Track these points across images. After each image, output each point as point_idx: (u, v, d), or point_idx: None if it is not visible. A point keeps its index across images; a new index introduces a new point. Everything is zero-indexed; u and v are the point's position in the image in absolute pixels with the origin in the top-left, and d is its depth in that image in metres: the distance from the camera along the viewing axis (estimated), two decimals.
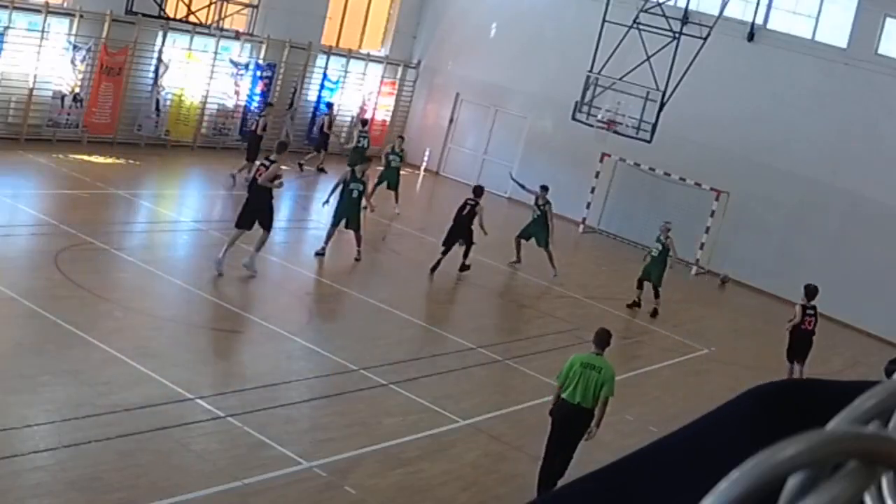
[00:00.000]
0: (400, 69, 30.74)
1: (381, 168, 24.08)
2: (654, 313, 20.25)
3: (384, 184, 23.54)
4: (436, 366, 14.51)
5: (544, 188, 21.46)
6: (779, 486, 0.59)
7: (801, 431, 0.59)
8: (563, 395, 11.10)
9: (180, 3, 23.92)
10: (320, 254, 18.81)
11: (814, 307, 17.66)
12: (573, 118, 24.35)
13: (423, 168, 28.71)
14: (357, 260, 19.05)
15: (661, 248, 20.34)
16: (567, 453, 11.16)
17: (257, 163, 18.93)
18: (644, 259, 20.66)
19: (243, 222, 16.78)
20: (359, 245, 19.03)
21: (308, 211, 23.45)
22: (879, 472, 0.61)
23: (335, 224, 18.90)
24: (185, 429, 10.83)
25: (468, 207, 19.63)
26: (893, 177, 23.13)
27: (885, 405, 0.64)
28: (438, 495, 10.85)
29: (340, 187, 19.02)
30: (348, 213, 18.80)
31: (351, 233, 18.84)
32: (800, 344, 17.71)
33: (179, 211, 20.53)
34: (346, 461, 10.99)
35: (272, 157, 17.48)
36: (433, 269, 19.20)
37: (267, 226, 16.82)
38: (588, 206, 26.82)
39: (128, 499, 9.28)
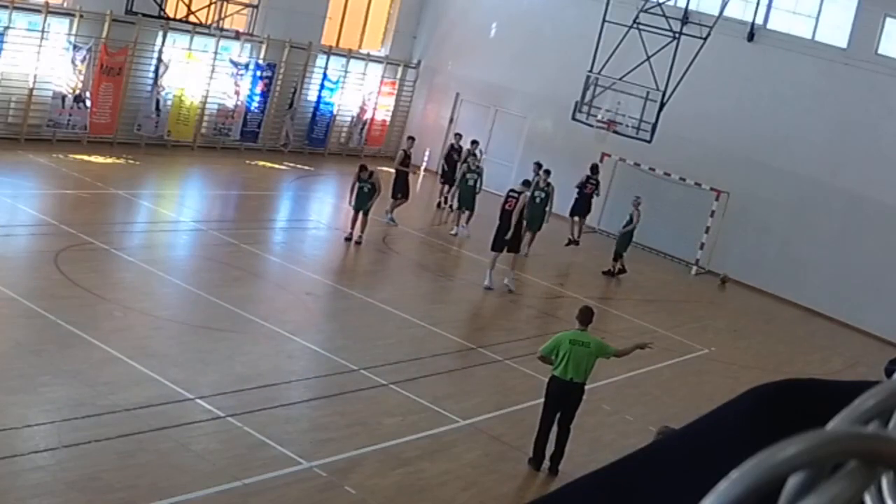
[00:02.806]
0: (400, 69, 30.75)
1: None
2: (610, 273, 22.55)
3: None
4: (436, 366, 14.51)
5: (546, 172, 22.22)
6: (779, 486, 0.59)
7: (801, 431, 0.59)
8: (555, 373, 11.69)
9: (180, 3, 23.92)
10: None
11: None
12: (573, 118, 24.35)
13: (423, 168, 28.71)
14: (358, 243, 20.02)
15: (629, 219, 22.73)
16: (564, 429, 11.83)
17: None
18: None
19: (496, 246, 18.99)
20: (362, 231, 20.15)
21: (307, 211, 23.45)
22: (879, 472, 0.61)
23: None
24: (185, 429, 10.83)
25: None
26: (893, 177, 23.13)
27: (885, 405, 0.64)
28: (438, 495, 10.85)
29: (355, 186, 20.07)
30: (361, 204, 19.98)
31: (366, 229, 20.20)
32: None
33: (179, 211, 20.53)
34: (346, 461, 10.99)
35: (518, 189, 19.44)
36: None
37: (515, 248, 19.06)
38: None
39: (128, 499, 9.28)
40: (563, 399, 11.70)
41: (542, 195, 21.93)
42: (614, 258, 22.70)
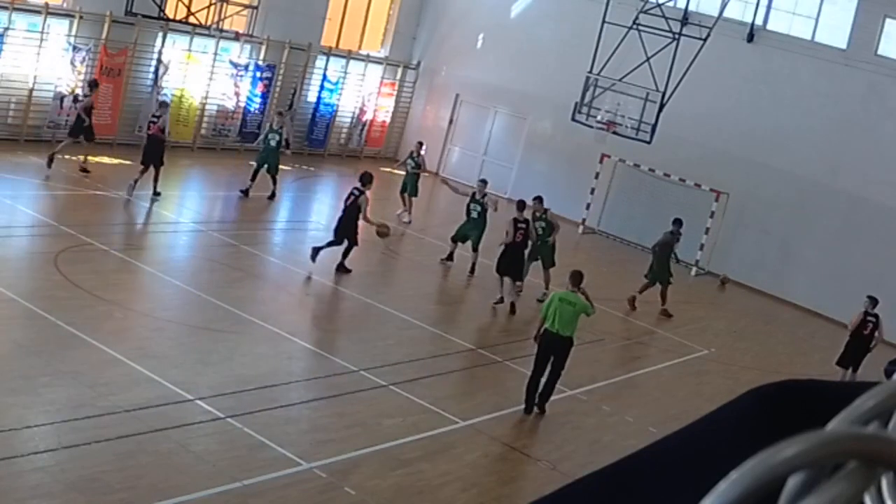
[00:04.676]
0: (399, 70, 30.76)
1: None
2: (667, 313, 20.88)
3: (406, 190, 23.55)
4: (436, 367, 14.51)
5: (538, 199, 19.84)
6: (779, 486, 0.59)
7: (801, 432, 0.59)
8: (546, 326, 13.33)
9: (180, 4, 23.92)
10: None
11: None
12: (573, 119, 24.36)
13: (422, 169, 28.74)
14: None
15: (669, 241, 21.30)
16: (554, 374, 13.42)
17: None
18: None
19: (501, 270, 18.64)
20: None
21: (307, 212, 23.44)
22: (879, 472, 0.61)
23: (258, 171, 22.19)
24: (185, 430, 10.83)
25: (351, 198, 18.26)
26: (893, 177, 23.14)
27: (885, 405, 0.64)
28: (438, 496, 10.85)
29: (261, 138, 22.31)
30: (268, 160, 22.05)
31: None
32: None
33: (179, 212, 20.52)
34: (345, 462, 10.99)
35: (522, 219, 18.92)
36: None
37: (519, 276, 18.82)
38: (588, 206, 26.83)
39: (127, 500, 9.28)
40: (552, 349, 13.26)
41: (543, 224, 19.53)
42: (662, 295, 20.69)
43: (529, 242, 18.91)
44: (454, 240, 20.08)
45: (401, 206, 23.50)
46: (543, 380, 13.45)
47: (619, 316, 19.70)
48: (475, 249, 19.74)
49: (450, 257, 20.14)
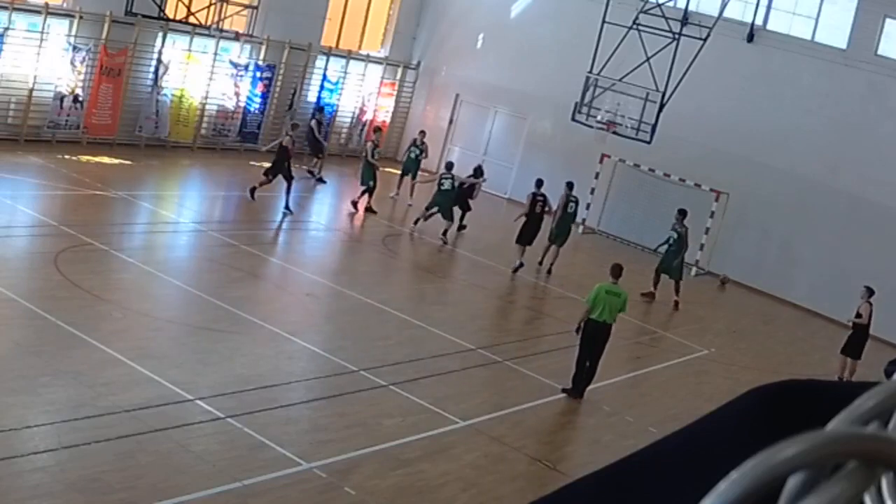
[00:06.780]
0: (399, 70, 30.76)
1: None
2: (676, 305, 21.51)
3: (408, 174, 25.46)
4: (436, 367, 14.51)
5: (569, 185, 22.01)
6: (779, 486, 0.59)
7: (801, 432, 0.59)
8: (593, 316, 14.21)
9: (180, 4, 23.92)
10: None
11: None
12: (573, 119, 24.36)
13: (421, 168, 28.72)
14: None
15: (676, 236, 21.64)
16: (596, 360, 14.29)
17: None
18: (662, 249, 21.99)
19: (523, 240, 20.95)
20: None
21: (307, 212, 23.44)
22: (879, 472, 0.61)
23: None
24: (185, 430, 10.83)
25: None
26: (893, 177, 23.14)
27: (885, 405, 0.64)
28: (438, 496, 10.85)
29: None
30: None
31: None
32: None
33: (179, 212, 20.52)
34: (345, 462, 10.99)
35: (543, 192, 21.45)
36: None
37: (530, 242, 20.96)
38: (588, 207, 26.79)
39: (128, 500, 9.28)
40: (596, 337, 14.12)
41: (574, 207, 22.08)
42: (675, 289, 21.36)
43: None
44: (428, 208, 22.11)
45: (395, 188, 25.27)
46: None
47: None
48: (447, 218, 21.79)
49: (442, 231, 21.94)
